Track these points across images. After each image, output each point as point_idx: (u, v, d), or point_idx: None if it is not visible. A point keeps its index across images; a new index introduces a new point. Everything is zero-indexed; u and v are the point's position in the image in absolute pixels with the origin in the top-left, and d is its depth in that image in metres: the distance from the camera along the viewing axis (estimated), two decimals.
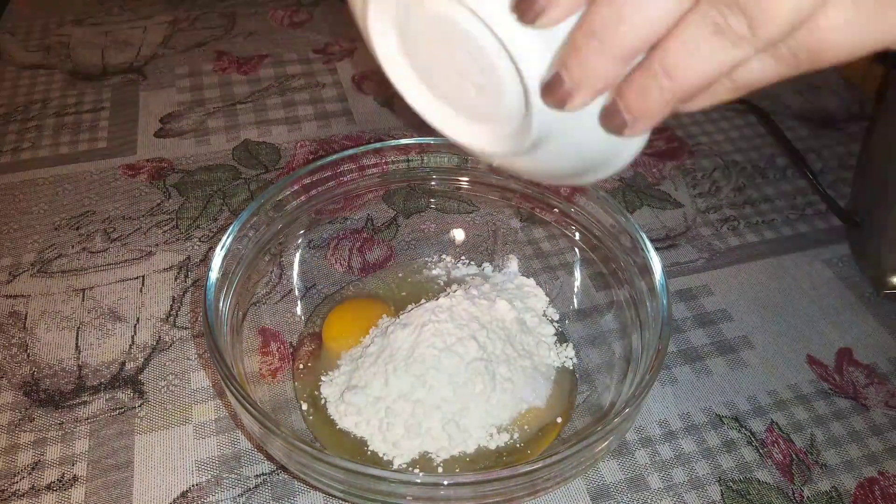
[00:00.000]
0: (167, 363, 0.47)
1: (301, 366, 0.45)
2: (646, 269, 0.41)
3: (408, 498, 0.33)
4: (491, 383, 0.41)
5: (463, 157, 0.49)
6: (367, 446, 0.40)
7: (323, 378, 0.44)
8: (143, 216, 0.57)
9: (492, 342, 0.42)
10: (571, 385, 0.45)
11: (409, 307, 0.46)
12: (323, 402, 0.43)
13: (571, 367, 0.45)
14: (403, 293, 0.50)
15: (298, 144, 0.65)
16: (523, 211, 0.51)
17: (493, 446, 0.40)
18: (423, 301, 0.47)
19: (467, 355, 0.41)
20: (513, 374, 0.42)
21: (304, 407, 0.43)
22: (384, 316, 0.47)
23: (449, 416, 0.40)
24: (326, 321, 0.47)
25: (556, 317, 0.48)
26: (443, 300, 0.44)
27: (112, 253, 0.54)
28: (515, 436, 0.41)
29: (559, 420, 0.42)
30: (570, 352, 0.46)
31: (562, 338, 0.47)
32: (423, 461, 0.40)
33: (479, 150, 0.31)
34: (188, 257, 0.54)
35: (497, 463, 0.40)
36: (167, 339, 0.48)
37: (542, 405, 0.43)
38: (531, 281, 0.49)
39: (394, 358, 0.42)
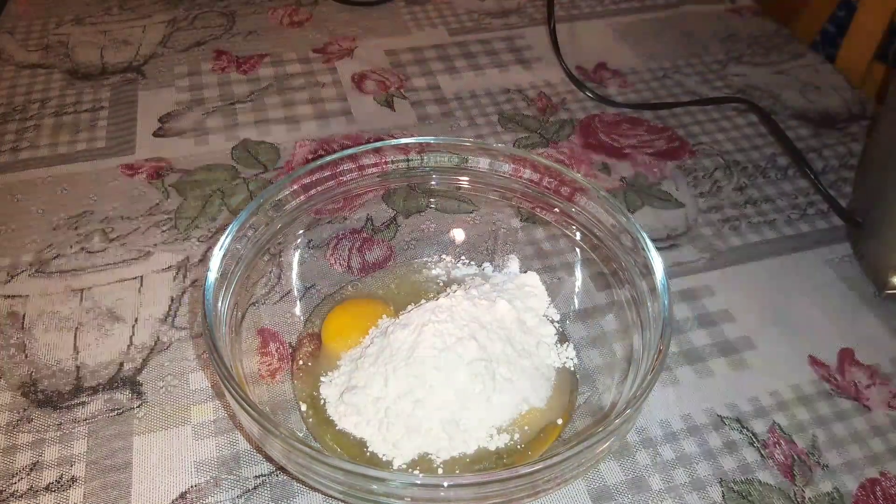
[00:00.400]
0: (166, 364, 0.47)
1: (300, 366, 0.45)
2: (647, 269, 0.41)
3: (407, 499, 0.33)
4: (491, 384, 0.41)
5: (463, 157, 0.49)
6: (367, 447, 0.40)
7: (322, 378, 0.44)
8: (141, 216, 0.57)
9: (492, 342, 0.42)
10: (572, 386, 0.44)
11: (409, 307, 0.46)
12: (322, 402, 0.43)
13: (572, 368, 0.45)
14: (403, 293, 0.50)
15: (298, 144, 0.65)
16: (523, 211, 0.51)
17: (493, 447, 0.40)
18: (423, 301, 0.46)
19: (467, 355, 0.41)
20: (513, 375, 0.42)
21: (304, 408, 0.43)
22: (384, 316, 0.46)
23: (449, 416, 0.40)
24: (326, 321, 0.47)
25: (557, 317, 0.48)
26: (443, 300, 0.44)
27: (110, 253, 0.54)
28: (516, 436, 0.41)
29: (560, 421, 0.42)
30: (571, 352, 0.46)
31: (562, 338, 0.47)
32: (423, 462, 0.39)
33: None
34: (187, 257, 0.54)
35: (497, 464, 0.40)
36: (166, 340, 0.48)
37: (542, 406, 0.42)
38: (534, 279, 0.49)
39: (394, 358, 0.41)
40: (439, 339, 0.41)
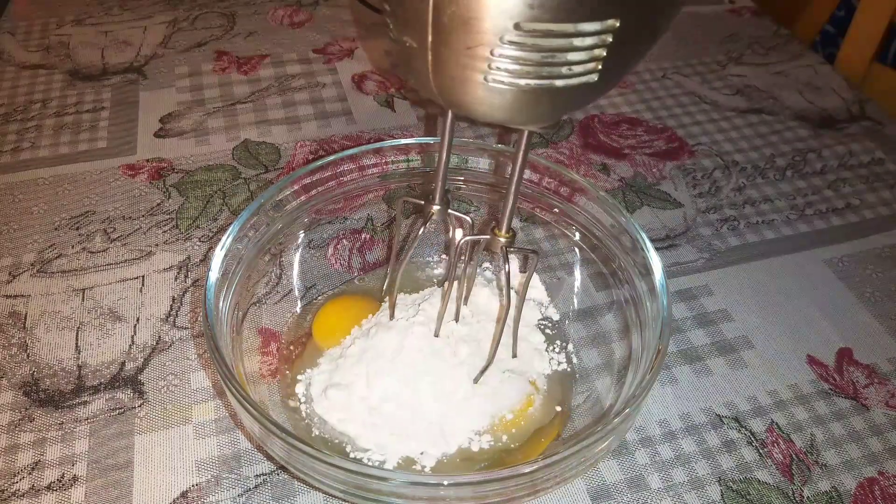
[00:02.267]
0: (167, 363, 0.47)
1: (290, 363, 0.45)
2: (646, 269, 0.41)
3: (407, 498, 0.33)
4: (476, 386, 0.41)
5: (463, 157, 0.49)
6: (352, 445, 0.40)
7: (300, 377, 0.44)
8: (142, 216, 0.57)
9: (479, 344, 0.42)
10: (571, 385, 0.45)
11: (398, 307, 0.46)
12: (304, 400, 0.43)
13: (571, 368, 0.45)
14: (402, 293, 0.50)
15: (298, 144, 0.65)
16: (523, 211, 0.51)
17: (475, 448, 0.40)
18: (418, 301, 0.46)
19: (454, 358, 0.41)
20: (499, 378, 0.42)
21: (292, 405, 0.43)
22: (370, 315, 0.46)
23: (434, 418, 0.40)
24: (315, 318, 0.47)
25: (556, 317, 0.48)
26: (432, 302, 0.44)
27: (112, 253, 0.54)
28: (504, 438, 0.41)
29: (558, 421, 0.42)
30: (570, 352, 0.46)
31: (562, 337, 0.47)
32: (408, 464, 0.39)
33: None
34: (188, 257, 0.54)
35: (488, 465, 0.40)
36: (167, 339, 0.48)
37: (525, 409, 0.42)
38: (534, 279, 0.49)
39: (378, 359, 0.41)
40: (425, 341, 0.41)
